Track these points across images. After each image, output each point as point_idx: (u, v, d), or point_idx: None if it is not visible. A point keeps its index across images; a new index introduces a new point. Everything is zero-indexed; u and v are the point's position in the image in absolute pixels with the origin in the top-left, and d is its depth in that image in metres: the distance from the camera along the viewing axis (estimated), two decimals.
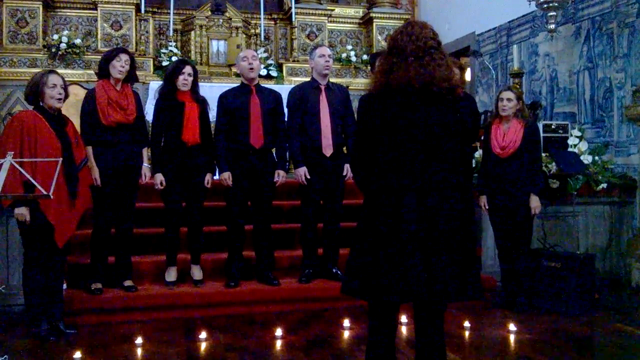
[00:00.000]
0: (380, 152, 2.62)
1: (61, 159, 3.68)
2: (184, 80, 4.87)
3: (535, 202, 4.83)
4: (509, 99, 4.89)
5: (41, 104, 4.12)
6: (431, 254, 2.48)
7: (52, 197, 3.41)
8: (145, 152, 4.91)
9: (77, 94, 4.95)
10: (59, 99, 4.14)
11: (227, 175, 4.97)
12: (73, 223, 4.19)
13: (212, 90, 5.54)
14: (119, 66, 4.67)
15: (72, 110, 4.50)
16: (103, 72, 4.74)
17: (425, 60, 2.60)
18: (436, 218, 2.51)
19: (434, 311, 2.68)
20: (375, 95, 2.67)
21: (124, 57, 4.71)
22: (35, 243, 4.07)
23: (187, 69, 4.90)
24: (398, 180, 2.55)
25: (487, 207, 5.05)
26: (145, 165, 4.89)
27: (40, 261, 4.08)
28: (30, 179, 3.42)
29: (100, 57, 4.93)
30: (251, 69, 5.05)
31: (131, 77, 4.85)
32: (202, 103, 5.03)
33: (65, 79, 4.36)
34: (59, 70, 5.07)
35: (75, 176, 4.17)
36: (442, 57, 2.65)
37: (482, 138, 5.23)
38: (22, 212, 3.96)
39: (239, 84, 5.22)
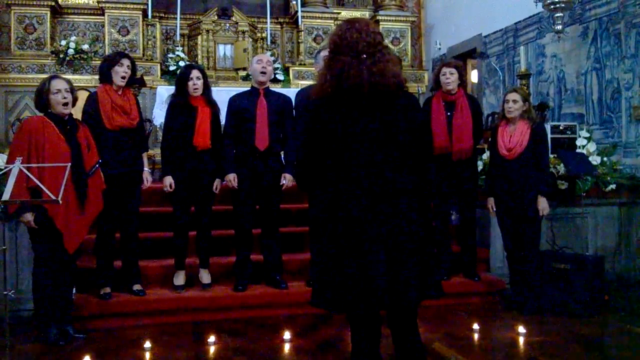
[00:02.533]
0: (333, 160, 2.52)
1: (69, 164, 3.69)
2: (194, 86, 4.88)
3: (543, 204, 4.81)
4: (514, 100, 4.88)
5: (50, 111, 4.14)
6: (391, 260, 2.42)
7: (60, 202, 3.43)
8: (146, 157, 4.93)
9: (85, 99, 4.96)
10: (65, 104, 4.12)
11: (232, 176, 4.97)
12: (83, 228, 4.21)
13: (219, 95, 5.54)
14: (122, 72, 4.69)
15: (79, 116, 4.52)
16: (105, 76, 4.76)
17: (377, 57, 2.52)
18: (394, 222, 2.44)
19: (404, 315, 2.61)
20: (324, 101, 2.55)
21: (126, 62, 4.73)
22: (44, 248, 4.09)
23: (195, 73, 4.91)
24: (353, 188, 2.47)
25: (494, 209, 5.04)
26: (146, 169, 4.91)
27: (50, 266, 4.10)
28: (39, 184, 3.44)
29: (106, 59, 4.96)
30: (263, 72, 5.05)
31: (133, 80, 4.86)
32: (214, 107, 5.04)
33: (73, 84, 4.37)
34: (67, 76, 5.10)
35: (85, 181, 4.18)
36: (389, 51, 2.59)
37: (489, 140, 5.23)
38: (27, 217, 3.99)
39: (247, 88, 5.23)
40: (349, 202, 2.45)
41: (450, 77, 5.22)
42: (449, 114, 5.23)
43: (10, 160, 3.87)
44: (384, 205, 2.44)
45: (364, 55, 2.50)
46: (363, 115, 2.48)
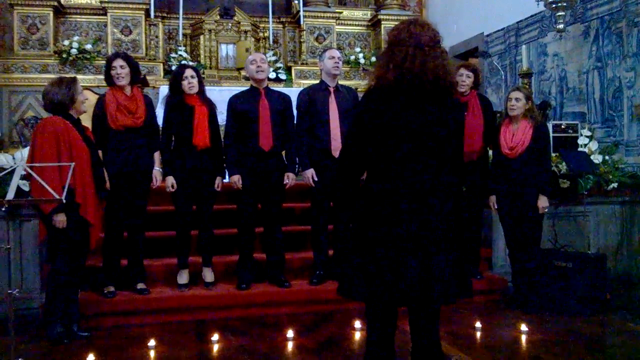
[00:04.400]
0: (381, 153, 2.50)
1: (73, 163, 3.72)
2: (189, 84, 4.90)
3: (543, 202, 4.82)
4: (517, 99, 4.89)
5: (70, 112, 4.20)
6: (428, 256, 2.43)
7: (64, 201, 3.46)
8: (157, 156, 4.95)
9: (89, 99, 4.98)
10: (85, 104, 4.34)
11: (236, 178, 4.99)
12: (100, 225, 4.41)
13: (221, 94, 5.57)
14: (114, 74, 4.74)
15: (84, 116, 4.55)
16: (108, 81, 4.82)
17: (438, 52, 2.51)
18: (434, 221, 2.46)
19: (429, 313, 2.63)
20: (384, 90, 2.50)
21: (118, 62, 4.75)
22: (65, 249, 4.14)
23: (188, 72, 4.94)
24: (399, 183, 2.46)
25: (496, 207, 5.05)
26: (157, 169, 4.92)
27: (68, 266, 4.15)
28: (44, 183, 3.46)
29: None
30: (260, 71, 5.07)
31: (137, 78, 4.89)
32: (211, 106, 5.05)
33: None
34: (70, 76, 5.10)
35: (103, 179, 4.36)
36: (444, 52, 2.58)
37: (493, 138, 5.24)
38: (61, 218, 4.04)
39: (248, 87, 5.25)
40: (396, 197, 2.45)
41: (466, 80, 5.22)
42: None
43: (40, 159, 3.92)
44: (427, 203, 2.46)
45: (427, 48, 2.48)
46: (422, 109, 2.47)
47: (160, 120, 5.16)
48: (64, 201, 3.47)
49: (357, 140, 2.56)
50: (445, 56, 2.55)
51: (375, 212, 2.49)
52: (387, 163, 2.50)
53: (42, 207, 4.02)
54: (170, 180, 4.92)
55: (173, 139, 5.00)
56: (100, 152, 4.59)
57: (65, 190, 3.52)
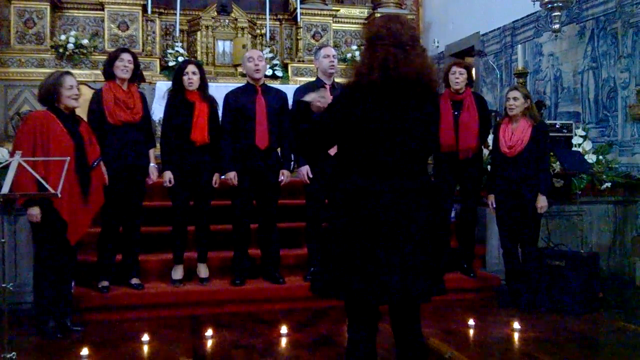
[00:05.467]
0: (361, 151, 2.46)
1: (69, 158, 3.72)
2: (189, 80, 4.92)
3: (542, 202, 4.83)
4: (515, 98, 4.90)
5: (56, 105, 4.18)
6: (407, 255, 2.41)
7: (59, 196, 3.45)
8: (152, 152, 4.95)
9: (85, 94, 4.99)
10: (76, 99, 4.24)
11: (232, 174, 5.00)
12: (86, 221, 4.27)
13: (218, 91, 5.55)
14: (122, 66, 4.72)
15: (79, 110, 4.55)
16: (108, 74, 4.80)
17: (419, 51, 2.47)
18: (413, 219, 2.43)
19: (410, 311, 2.61)
20: (365, 90, 2.45)
21: (126, 56, 4.76)
22: (47, 241, 4.13)
23: (190, 68, 4.95)
24: (377, 181, 2.44)
25: (494, 206, 5.07)
26: (153, 165, 4.93)
27: (52, 259, 4.14)
28: (39, 178, 3.46)
29: (107, 57, 4.99)
30: (257, 69, 5.08)
31: (136, 76, 4.90)
32: (211, 102, 5.06)
33: None
34: (64, 70, 5.10)
35: (88, 174, 4.23)
36: (424, 49, 2.54)
37: (492, 137, 5.27)
38: (35, 212, 4.02)
39: (244, 84, 5.25)
40: (377, 194, 2.43)
41: (459, 77, 5.24)
42: (455, 112, 5.25)
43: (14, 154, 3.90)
44: (407, 201, 2.44)
45: (409, 47, 2.44)
46: (404, 108, 2.45)
47: (156, 116, 5.16)
48: (59, 195, 3.47)
49: (327, 128, 2.51)
50: (426, 54, 2.53)
51: (354, 210, 2.45)
52: (367, 161, 2.46)
53: (17, 201, 3.96)
54: (168, 175, 4.93)
55: (172, 134, 4.99)
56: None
57: (61, 184, 3.51)
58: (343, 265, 2.45)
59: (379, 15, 9.80)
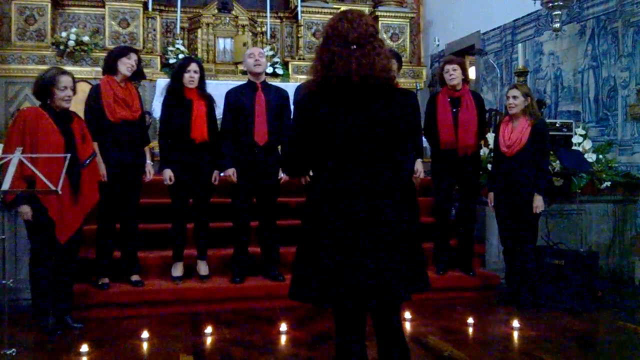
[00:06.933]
0: (324, 155, 2.43)
1: (69, 155, 3.72)
2: (190, 78, 4.92)
3: (537, 202, 4.83)
4: (514, 97, 4.90)
5: (48, 102, 4.17)
6: (380, 256, 2.37)
7: (60, 192, 3.45)
8: (148, 150, 4.96)
9: (85, 91, 4.98)
10: (68, 100, 4.19)
11: (231, 171, 5.01)
12: (77, 219, 4.22)
13: (218, 88, 5.56)
14: (129, 64, 4.72)
15: (79, 107, 4.54)
16: (110, 68, 4.77)
17: (367, 49, 2.41)
18: (387, 219, 2.40)
19: (388, 310, 2.57)
20: (314, 93, 2.44)
21: (134, 56, 4.77)
22: (40, 238, 4.13)
23: (193, 66, 4.95)
24: (344, 184, 2.40)
25: (493, 205, 5.08)
26: (149, 162, 4.94)
27: (46, 256, 4.14)
28: (40, 175, 3.46)
29: (111, 51, 4.98)
30: (257, 65, 5.08)
31: (136, 74, 4.89)
32: (209, 100, 5.07)
33: (74, 76, 4.39)
34: (67, 68, 5.12)
35: (78, 172, 4.19)
36: (381, 45, 2.47)
37: (494, 136, 5.27)
38: (25, 210, 4.03)
39: (246, 82, 5.26)
40: (343, 197, 2.40)
41: (453, 73, 5.24)
42: (454, 110, 5.26)
43: (6, 151, 3.90)
44: (376, 202, 2.40)
45: (354, 47, 2.40)
46: (353, 109, 2.40)
47: (156, 113, 5.16)
48: (59, 192, 3.46)
49: (299, 137, 2.50)
50: (380, 51, 2.45)
51: (327, 213, 2.43)
52: (334, 163, 2.43)
53: (7, 197, 3.95)
54: (168, 172, 4.93)
55: (171, 132, 4.99)
56: (96, 145, 4.59)
57: (61, 181, 3.51)
58: (318, 270, 2.41)
59: (378, 13, 9.84)
